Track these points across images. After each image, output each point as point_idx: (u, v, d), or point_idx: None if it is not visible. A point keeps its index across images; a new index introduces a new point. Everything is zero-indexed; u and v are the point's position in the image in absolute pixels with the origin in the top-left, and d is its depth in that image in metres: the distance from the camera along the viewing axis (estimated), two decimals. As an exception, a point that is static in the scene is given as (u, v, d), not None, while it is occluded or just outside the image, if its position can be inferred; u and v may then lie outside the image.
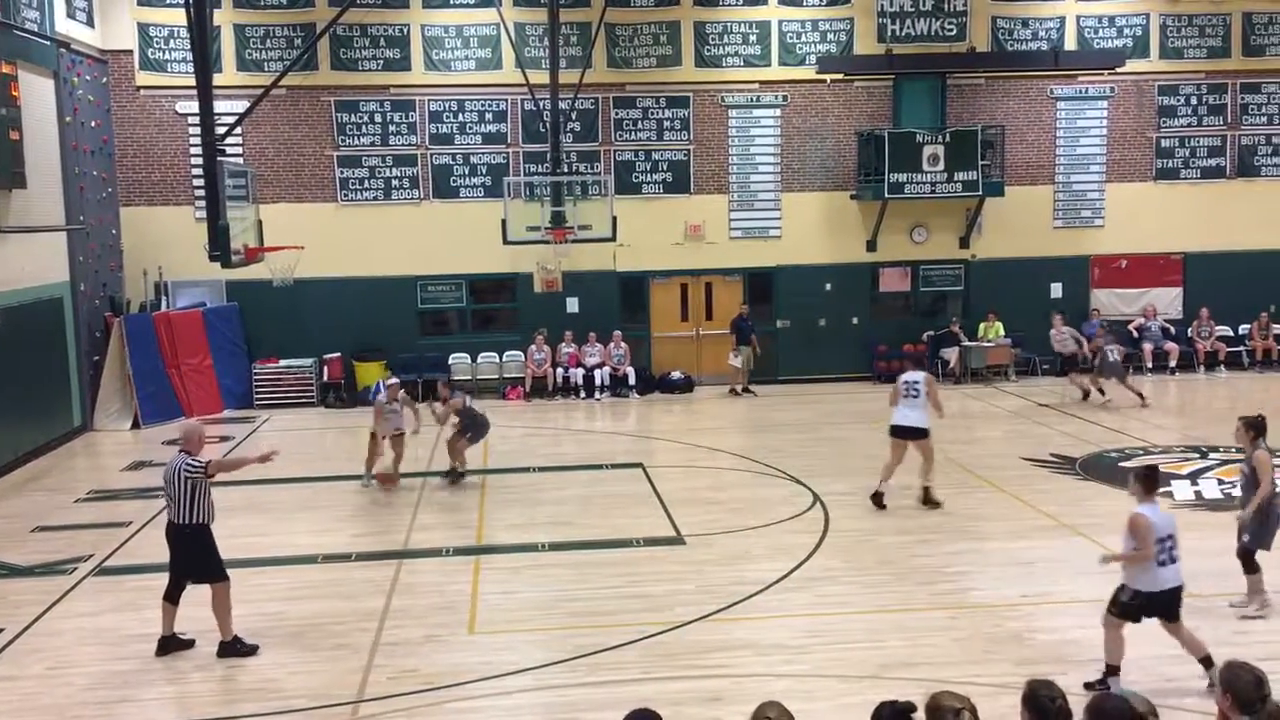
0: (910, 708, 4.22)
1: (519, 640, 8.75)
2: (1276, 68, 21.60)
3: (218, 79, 15.84)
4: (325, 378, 20.48)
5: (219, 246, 11.85)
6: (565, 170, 20.42)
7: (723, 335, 20.99)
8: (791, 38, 21.05)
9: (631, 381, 20.72)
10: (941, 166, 20.27)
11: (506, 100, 20.83)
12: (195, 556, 8.56)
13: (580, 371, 20.66)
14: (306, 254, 17.22)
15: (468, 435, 14.22)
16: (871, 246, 21.52)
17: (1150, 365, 21.09)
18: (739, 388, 20.51)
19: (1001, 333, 21.14)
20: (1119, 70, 21.16)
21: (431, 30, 20.57)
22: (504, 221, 19.53)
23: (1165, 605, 7.59)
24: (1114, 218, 21.71)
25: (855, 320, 21.58)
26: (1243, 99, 21.69)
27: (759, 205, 21.44)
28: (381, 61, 20.59)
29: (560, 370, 20.71)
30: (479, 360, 21.11)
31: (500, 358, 21.13)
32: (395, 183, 20.85)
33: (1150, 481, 7.81)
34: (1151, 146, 21.72)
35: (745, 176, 21.38)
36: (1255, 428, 9.09)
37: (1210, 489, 12.86)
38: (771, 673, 8.00)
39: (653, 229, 21.04)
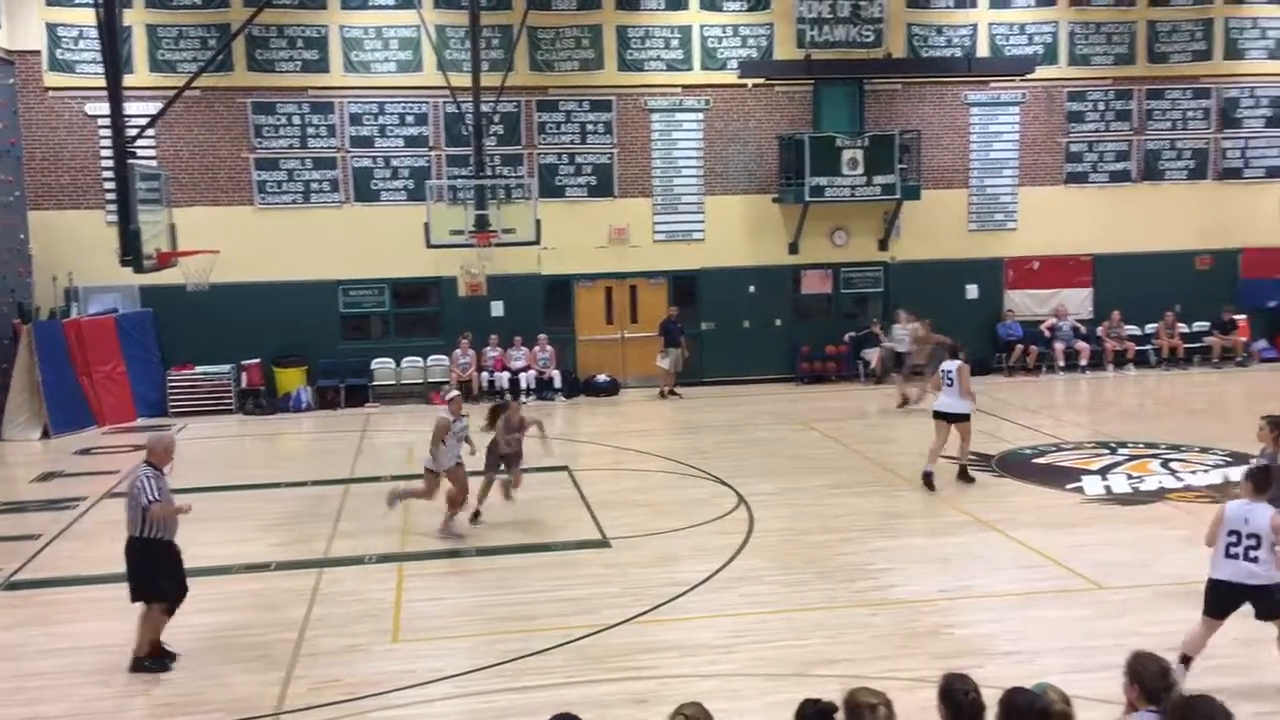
0: (832, 708, 4.30)
1: (443, 647, 8.69)
2: (1180, 75, 22.32)
3: (129, 80, 15.53)
4: (244, 384, 20.12)
5: (131, 251, 11.62)
6: (488, 173, 20.34)
7: (648, 338, 21.08)
8: (713, 42, 21.22)
9: (557, 385, 20.70)
10: (861, 170, 20.60)
11: (428, 103, 20.67)
12: (142, 571, 8.29)
13: (505, 375, 20.57)
14: (223, 258, 16.98)
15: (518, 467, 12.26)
16: (793, 249, 21.78)
17: (1063, 364, 21.64)
18: (667, 390, 20.60)
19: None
20: (1030, 77, 21.70)
21: (350, 31, 20.34)
22: (427, 225, 19.35)
23: (1217, 595, 7.42)
24: (1026, 220, 22.25)
25: (778, 322, 21.82)
26: (1148, 105, 22.38)
27: (683, 208, 21.57)
28: (299, 63, 20.30)
29: (485, 374, 20.60)
30: (403, 365, 20.92)
31: (424, 362, 20.95)
32: (315, 186, 20.57)
33: (1257, 482, 7.48)
34: (1061, 151, 22.30)
35: (669, 180, 21.49)
36: (1278, 426, 9.11)
37: (1119, 484, 13.24)
38: (697, 673, 8.05)
39: (577, 232, 21.04)
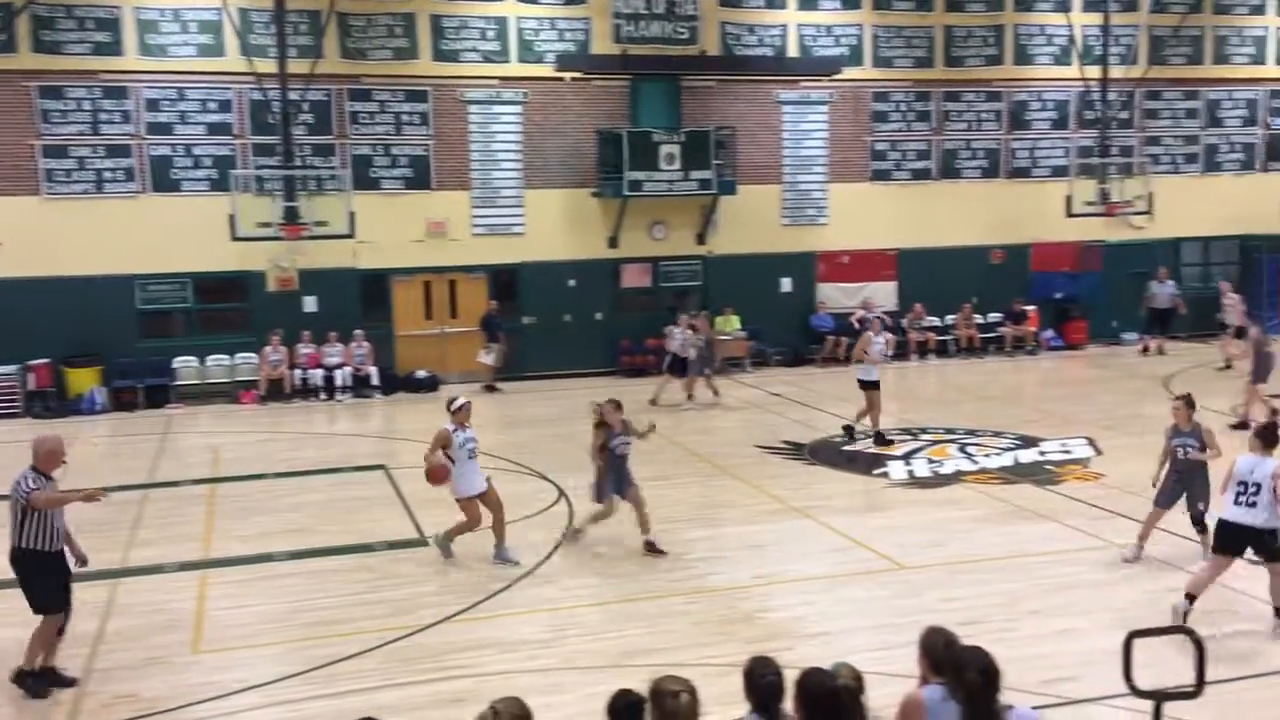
0: (641, 700, 4.32)
1: (250, 656, 8.35)
2: (974, 78, 23.52)
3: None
4: (32, 385, 18.84)
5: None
6: (298, 164, 19.67)
7: (469, 333, 20.84)
8: (530, 34, 21.12)
9: (375, 381, 20.21)
10: (678, 165, 20.89)
11: (232, 89, 19.82)
12: (22, 583, 7.74)
13: (320, 372, 19.96)
14: (6, 251, 15.88)
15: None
16: (613, 243, 21.91)
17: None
18: (489, 384, 20.40)
19: (738, 326, 22.02)
20: (837, 77, 22.46)
21: (146, 13, 19.29)
22: (232, 217, 18.61)
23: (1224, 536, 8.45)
24: (836, 216, 23.04)
25: (599, 316, 21.91)
26: (945, 107, 23.50)
27: (502, 202, 21.39)
28: (90, 45, 19.12)
29: (298, 372, 19.93)
30: (207, 363, 20.03)
31: (232, 360, 20.11)
32: (109, 174, 19.44)
33: (1268, 436, 8.53)
34: (867, 150, 23.19)
35: (487, 173, 21.27)
36: (1191, 404, 10.01)
37: (921, 468, 13.87)
38: (516, 669, 8.00)
39: (394, 225, 20.59)
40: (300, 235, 19.17)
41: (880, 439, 15.07)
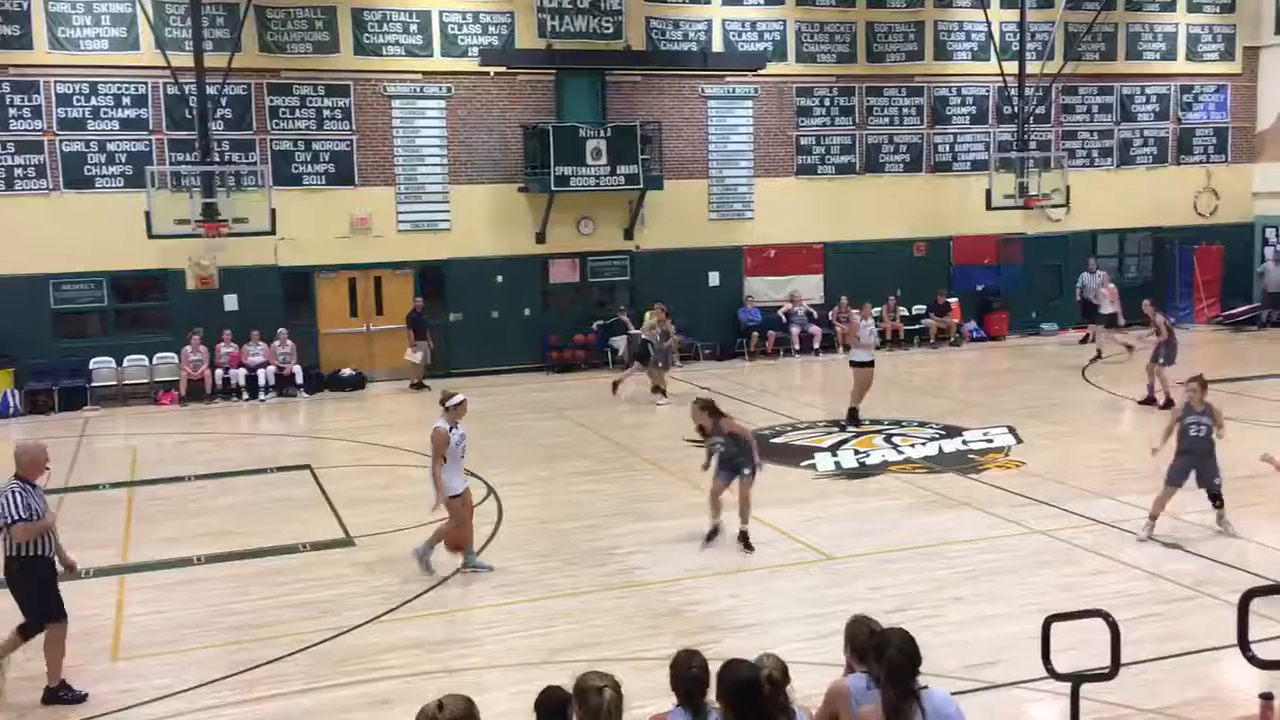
0: (568, 697, 4.31)
1: (170, 663, 8.16)
2: (895, 73, 23.83)
3: None
4: (-61, 390, 18.24)
5: None
6: (216, 159, 19.27)
7: (395, 330, 20.61)
8: (453, 28, 20.92)
9: (299, 380, 19.89)
10: (604, 160, 20.84)
11: (147, 83, 19.34)
12: (18, 592, 7.52)
13: (242, 372, 19.58)
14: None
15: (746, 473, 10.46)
16: (541, 238, 21.81)
17: (798, 347, 22.71)
18: (417, 382, 20.21)
19: (666, 320, 22.04)
20: (761, 72, 22.59)
21: (56, 5, 18.73)
22: (148, 214, 18.17)
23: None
24: (762, 210, 23.18)
25: (527, 311, 21.80)
26: (868, 101, 23.77)
27: (427, 197, 21.17)
28: (-3, 37, 18.55)
29: (220, 372, 19.54)
30: (125, 364, 19.53)
31: (150, 360, 19.64)
32: (19, 172, 18.86)
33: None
34: (792, 144, 23.37)
35: (412, 168, 21.04)
36: (1205, 385, 10.50)
37: (848, 459, 14.03)
38: (444, 668, 7.93)
39: (317, 222, 20.28)
40: (220, 232, 18.79)
41: (852, 416, 15.75)
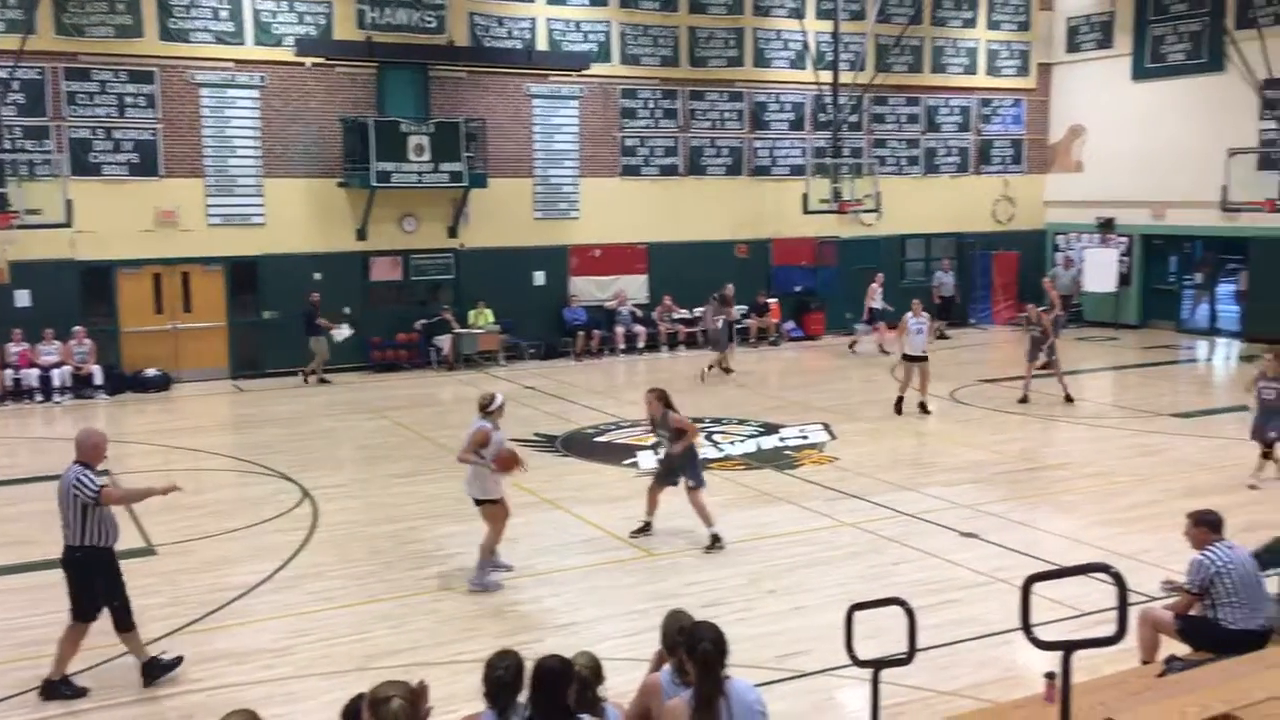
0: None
1: (-51, 684, 7.60)
2: (717, 78, 24.33)
3: None
4: None
5: None
6: (6, 147, 18.03)
7: (204, 328, 19.95)
8: (266, 16, 20.20)
9: (98, 381, 18.83)
10: (428, 157, 20.53)
11: (-74, 62, 17.96)
12: (82, 582, 7.50)
13: (35, 372, 18.40)
14: None
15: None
16: (362, 235, 21.31)
17: (623, 346, 22.92)
18: (314, 377, 20.02)
19: (491, 319, 21.90)
20: (586, 72, 22.70)
21: None
22: (-73, 203, 16.86)
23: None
24: (588, 210, 23.29)
25: (348, 310, 21.22)
26: (691, 105, 24.19)
27: (239, 191, 20.38)
28: None
29: (9, 372, 18.30)
30: (-99, 365, 18.08)
31: (-70, 361, 18.25)
32: None
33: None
34: (617, 145, 23.56)
35: (223, 160, 20.21)
36: None
37: (670, 456, 14.22)
38: (251, 679, 7.65)
39: (118, 214, 19.27)
40: (10, 224, 17.57)
41: (923, 408, 16.54)
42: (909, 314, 16.76)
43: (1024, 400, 17.17)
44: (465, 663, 7.51)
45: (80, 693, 7.47)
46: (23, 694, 7.39)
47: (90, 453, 7.64)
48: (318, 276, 20.89)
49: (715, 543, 10.29)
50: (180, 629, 8.55)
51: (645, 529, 10.74)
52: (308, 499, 12.31)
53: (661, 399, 10.53)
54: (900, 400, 16.54)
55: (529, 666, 4.47)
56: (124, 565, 10.01)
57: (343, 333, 20.07)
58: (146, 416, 17.59)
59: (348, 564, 10.17)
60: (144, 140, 19.57)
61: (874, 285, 23.56)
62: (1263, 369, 12.43)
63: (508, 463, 9.39)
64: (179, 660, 7.77)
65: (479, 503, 9.54)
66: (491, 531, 9.53)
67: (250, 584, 9.56)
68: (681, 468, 10.47)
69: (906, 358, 16.59)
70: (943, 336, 24.20)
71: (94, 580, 7.57)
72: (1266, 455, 12.26)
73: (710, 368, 20.30)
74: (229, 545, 10.69)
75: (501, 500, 9.55)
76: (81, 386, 18.69)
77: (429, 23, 21.43)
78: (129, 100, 19.42)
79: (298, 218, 20.79)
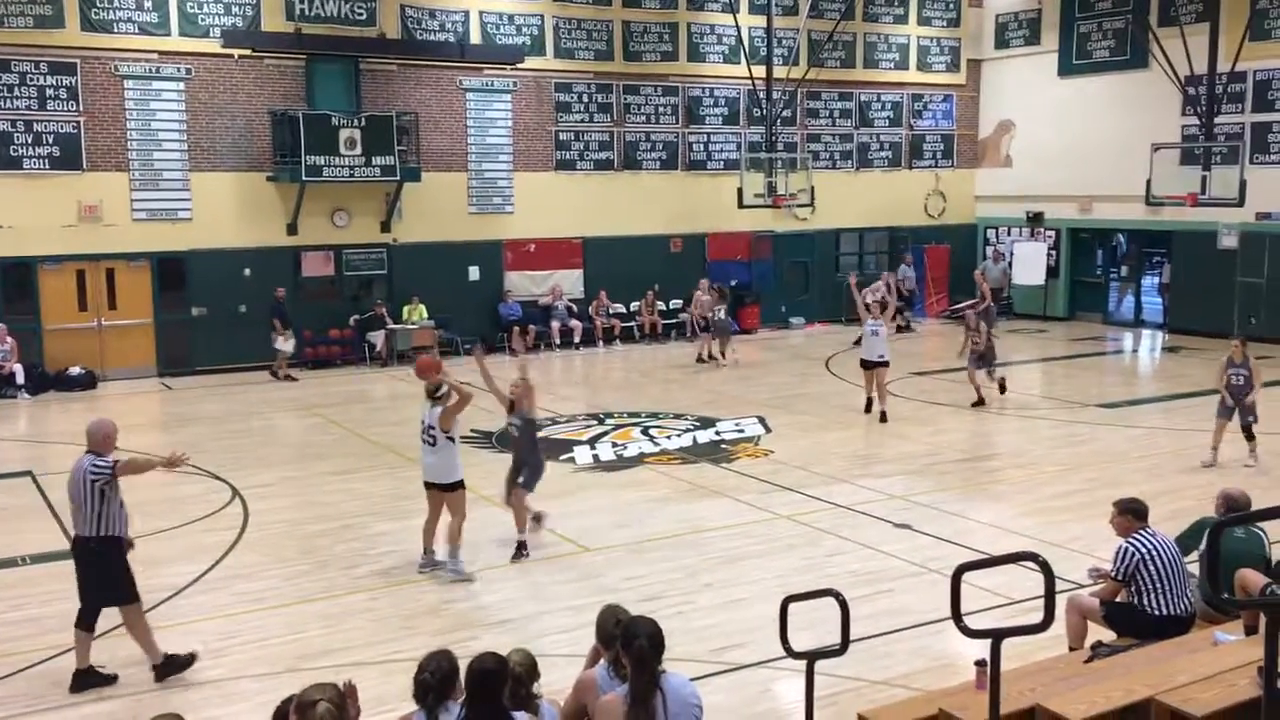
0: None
1: None
2: (651, 72, 24.33)
3: None
4: None
5: None
6: (-81, 138, 17.49)
7: (130, 325, 19.53)
8: (193, 7, 19.77)
9: (20, 380, 18.32)
10: (359, 150, 20.25)
11: None
12: (105, 574, 7.52)
13: (-48, 372, 17.88)
14: None
15: None
16: (292, 230, 20.98)
17: (559, 342, 22.87)
18: (283, 374, 19.82)
19: (425, 315, 21.70)
20: (520, 66, 22.56)
21: None
22: None
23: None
24: (522, 205, 23.16)
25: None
26: (626, 99, 24.17)
27: (165, 185, 19.94)
28: None
29: (-75, 372, 17.76)
30: None
31: None
32: None
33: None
34: (551, 139, 23.46)
35: (148, 153, 19.76)
36: None
37: (605, 451, 14.23)
38: (181, 683, 7.51)
39: (39, 209, 18.77)
40: (-76, 219, 17.06)
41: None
42: (867, 317, 16.02)
43: (979, 404, 16.47)
44: (400, 661, 7.45)
45: (110, 680, 7.58)
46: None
47: (102, 443, 7.76)
48: (247, 273, 20.56)
49: (520, 551, 10.04)
50: (107, 632, 8.33)
51: (538, 520, 10.50)
52: (238, 498, 12.11)
53: (526, 380, 10.63)
54: (870, 400, 15.98)
55: (464, 665, 4.44)
56: (48, 568, 9.92)
57: (287, 343, 19.87)
58: (71, 416, 17.14)
59: (280, 563, 10.03)
60: (66, 133, 19.06)
61: (878, 283, 23.34)
62: (1230, 355, 12.86)
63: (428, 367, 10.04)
64: (114, 678, 7.63)
65: (445, 488, 9.53)
66: (456, 518, 9.54)
67: (179, 585, 9.39)
68: (527, 464, 10.36)
69: (864, 364, 15.95)
70: (906, 328, 24.64)
71: (112, 566, 7.64)
72: (1248, 437, 12.77)
73: (724, 354, 21.03)
74: (157, 546, 10.44)
75: (463, 484, 9.59)
76: (3, 386, 18.17)
77: (359, 15, 21.15)
78: (50, 93, 18.90)
79: (226, 213, 20.40)
